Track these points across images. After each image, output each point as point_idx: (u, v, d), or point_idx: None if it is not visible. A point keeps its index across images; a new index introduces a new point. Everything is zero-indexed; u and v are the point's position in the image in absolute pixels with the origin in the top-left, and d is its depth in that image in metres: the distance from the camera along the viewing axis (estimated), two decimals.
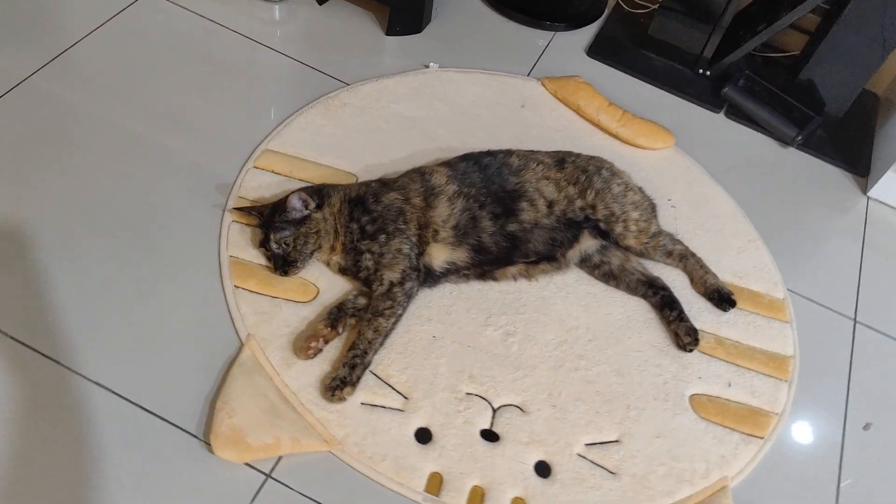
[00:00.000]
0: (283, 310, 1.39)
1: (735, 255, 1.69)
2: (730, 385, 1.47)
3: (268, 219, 1.41)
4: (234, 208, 1.49)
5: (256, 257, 1.46)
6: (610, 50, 2.11)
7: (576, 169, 1.57)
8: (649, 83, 2.06)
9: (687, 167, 1.86)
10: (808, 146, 2.01)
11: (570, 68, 2.02)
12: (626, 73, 2.07)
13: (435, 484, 1.25)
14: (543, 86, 1.95)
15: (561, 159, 1.59)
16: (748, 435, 1.41)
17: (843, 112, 2.06)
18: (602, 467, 1.32)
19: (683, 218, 1.73)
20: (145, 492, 1.15)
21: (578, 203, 1.53)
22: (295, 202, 1.38)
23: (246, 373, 1.29)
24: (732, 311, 1.58)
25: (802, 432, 1.45)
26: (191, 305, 1.37)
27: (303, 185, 1.54)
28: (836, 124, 2.06)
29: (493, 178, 1.51)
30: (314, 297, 1.43)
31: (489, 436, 1.32)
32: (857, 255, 1.80)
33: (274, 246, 1.39)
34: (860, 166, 2.00)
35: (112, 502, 1.14)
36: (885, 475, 1.42)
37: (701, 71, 2.10)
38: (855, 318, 1.67)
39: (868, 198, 1.94)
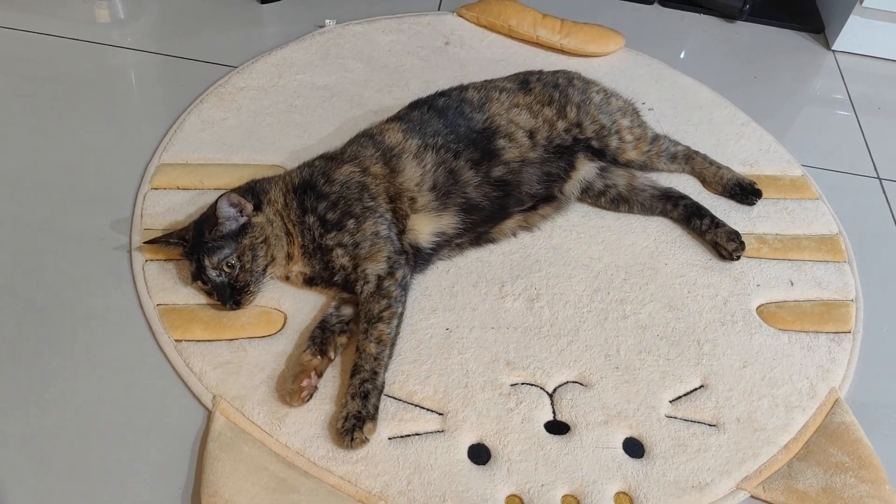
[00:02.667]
0: (249, 352, 1.05)
1: (735, 142, 1.47)
2: (792, 284, 1.24)
3: (195, 242, 1.06)
4: (145, 243, 1.13)
5: (194, 296, 1.10)
6: None
7: (545, 87, 1.29)
8: None
9: (647, 65, 1.63)
10: (755, 15, 1.82)
11: None
12: None
13: None
14: (462, 16, 1.66)
15: (524, 80, 1.31)
16: (835, 333, 1.18)
17: None
18: (699, 423, 1.05)
19: (666, 118, 1.50)
20: None
21: (561, 124, 1.26)
22: (226, 209, 1.04)
23: (228, 447, 0.94)
24: (760, 203, 1.35)
25: (884, 312, 1.24)
26: (129, 385, 1.01)
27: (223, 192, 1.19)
28: None
29: (457, 121, 1.21)
30: (283, 326, 1.09)
31: (557, 428, 1.03)
32: (850, 113, 1.62)
33: (213, 273, 1.04)
34: (813, 23, 1.82)
35: None
36: None
37: None
38: (878, 176, 1.48)
39: (833, 52, 1.76)
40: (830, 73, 1.71)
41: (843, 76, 1.70)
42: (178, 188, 1.24)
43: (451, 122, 1.21)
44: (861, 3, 1.65)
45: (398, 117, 1.23)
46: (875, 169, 1.50)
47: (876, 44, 1.73)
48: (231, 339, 1.06)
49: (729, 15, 1.80)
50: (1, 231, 1.16)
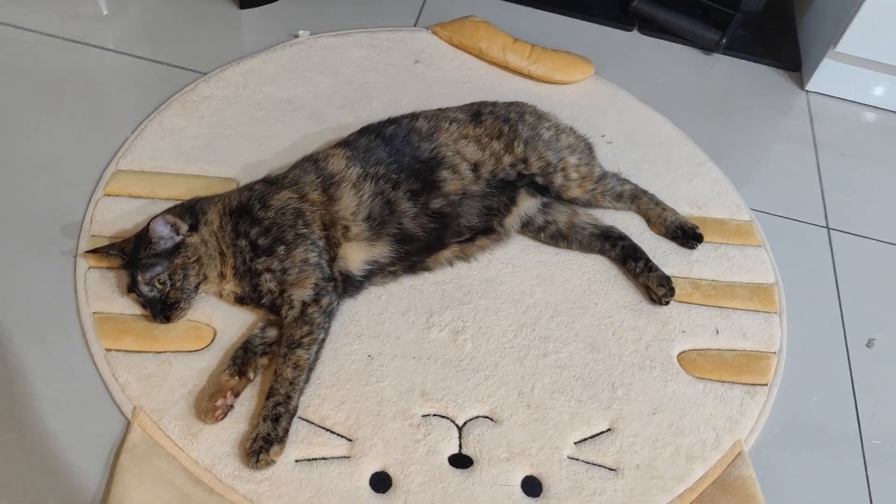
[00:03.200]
0: (174, 366, 1.10)
1: (688, 182, 1.49)
2: (718, 332, 1.27)
3: (132, 256, 1.11)
4: (88, 251, 1.18)
5: (129, 307, 1.16)
6: None
7: (496, 120, 1.32)
8: (553, 11, 1.83)
9: (613, 96, 1.64)
10: (734, 49, 1.82)
11: (460, 9, 1.75)
12: (524, 4, 1.83)
13: None
14: (436, 34, 1.68)
15: (476, 112, 1.34)
16: (751, 385, 1.22)
17: (762, 5, 1.87)
18: (600, 465, 1.10)
19: (623, 153, 1.52)
20: None
21: (507, 159, 1.29)
22: (160, 229, 1.09)
23: (140, 459, 1.00)
24: (701, 247, 1.38)
25: (806, 366, 1.27)
26: (54, 389, 1.07)
27: (171, 204, 1.24)
28: (757, 20, 1.88)
29: (403, 150, 1.24)
30: (211, 342, 1.14)
31: (460, 461, 1.08)
32: (812, 157, 1.63)
33: (145, 289, 1.09)
34: (791, 61, 1.82)
35: None
36: None
37: None
38: (828, 226, 1.50)
39: (807, 92, 1.77)
40: (800, 113, 1.72)
41: (811, 118, 1.71)
42: (131, 196, 1.29)
43: (396, 151, 1.24)
44: (834, 47, 1.65)
45: (346, 143, 1.27)
46: (826, 218, 1.51)
47: (848, 88, 1.73)
48: (159, 352, 1.11)
49: (706, 47, 1.81)
50: None
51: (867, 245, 1.47)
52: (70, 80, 1.47)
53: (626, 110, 1.61)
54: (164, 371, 1.09)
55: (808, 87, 1.76)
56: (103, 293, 1.16)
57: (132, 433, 1.03)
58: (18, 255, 1.20)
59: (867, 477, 1.15)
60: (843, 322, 1.35)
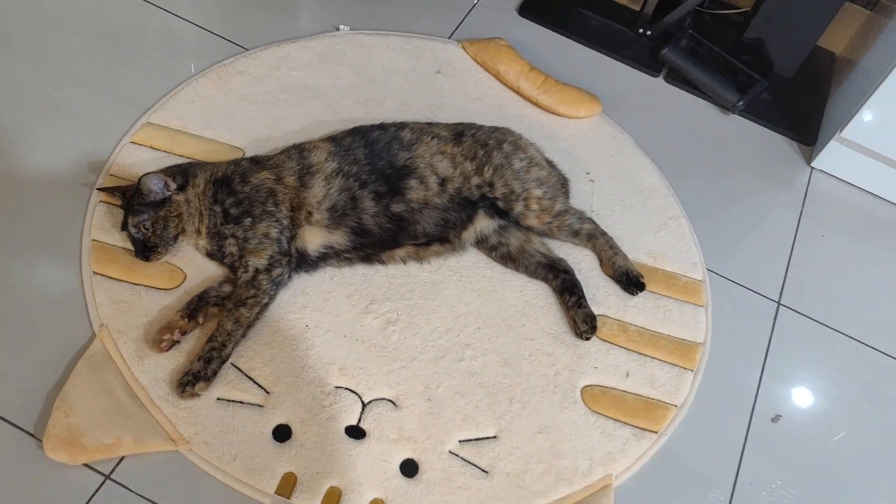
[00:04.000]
0: (143, 298, 1.32)
1: (654, 233, 1.58)
2: (628, 375, 1.38)
3: (128, 201, 1.33)
4: (100, 188, 1.41)
5: (122, 241, 1.38)
6: (544, 8, 1.97)
7: (475, 143, 1.46)
8: (585, 45, 1.93)
9: (612, 137, 1.74)
10: (752, 112, 1.87)
11: (498, 29, 1.89)
12: (559, 33, 1.94)
13: (288, 485, 1.18)
14: (464, 49, 1.82)
15: (460, 132, 1.48)
16: (641, 429, 1.32)
17: (792, 73, 1.91)
18: (474, 465, 1.24)
19: (602, 193, 1.62)
20: None
21: (475, 180, 1.43)
22: (151, 185, 1.29)
23: (93, 367, 1.22)
24: (643, 295, 1.48)
25: (703, 425, 1.36)
26: (44, 293, 1.30)
27: (182, 161, 1.45)
28: (786, 87, 1.92)
29: (381, 154, 1.40)
30: (180, 284, 1.35)
31: (355, 433, 1.24)
32: (792, 233, 1.68)
33: (133, 230, 1.30)
34: (807, 134, 1.86)
35: None
36: (789, 473, 1.33)
37: (641, 31, 1.96)
38: (779, 301, 1.56)
39: (812, 168, 1.81)
40: (797, 187, 1.76)
41: (807, 193, 1.75)
42: (152, 147, 1.51)
43: (374, 155, 1.40)
44: (841, 132, 1.69)
45: (333, 139, 1.44)
46: (781, 293, 1.57)
47: (849, 172, 1.76)
48: (135, 284, 1.33)
49: (723, 105, 1.87)
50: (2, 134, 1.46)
51: (810, 326, 1.53)
52: (130, 35, 1.69)
53: (620, 153, 1.71)
54: (134, 300, 1.31)
55: (813, 164, 1.80)
56: (105, 225, 1.39)
57: (94, 346, 1.24)
58: (48, 178, 1.43)
59: None
60: (757, 392, 1.42)
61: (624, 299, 1.47)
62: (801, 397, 1.43)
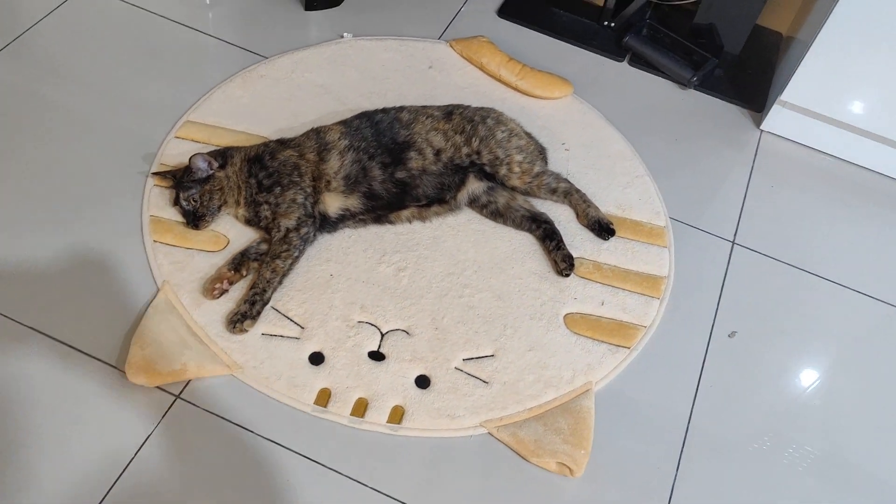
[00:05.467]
0: (195, 259, 1.59)
1: (621, 189, 1.85)
2: (602, 304, 1.64)
3: (179, 180, 1.61)
4: (154, 173, 1.69)
5: (174, 215, 1.65)
6: (519, 9, 2.25)
7: (462, 119, 1.73)
8: (557, 38, 2.21)
9: (583, 113, 2.01)
10: (706, 86, 2.14)
11: (481, 29, 2.17)
12: (534, 30, 2.22)
13: (324, 398, 1.44)
14: (451, 47, 2.10)
15: (449, 112, 1.75)
16: (615, 345, 1.58)
17: (739, 50, 2.18)
18: (476, 377, 1.50)
19: (575, 159, 1.89)
20: (69, 413, 1.37)
21: (465, 150, 1.70)
22: (199, 163, 1.57)
23: (160, 313, 1.49)
24: (613, 239, 1.74)
25: (668, 342, 1.61)
26: (117, 259, 1.57)
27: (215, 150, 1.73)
28: (736, 64, 2.19)
29: (385, 132, 1.68)
30: (224, 247, 1.62)
31: (376, 356, 1.50)
32: (744, 184, 1.93)
33: (184, 203, 1.58)
34: (757, 103, 2.13)
35: (39, 426, 1.35)
36: (744, 377, 1.58)
37: (606, 23, 2.23)
38: (734, 241, 1.82)
39: (761, 131, 2.07)
40: (749, 147, 2.03)
41: (757, 151, 2.02)
42: (193, 140, 1.79)
43: (379, 133, 1.68)
44: (781, 95, 1.96)
45: (344, 122, 1.72)
46: (735, 234, 1.83)
47: (793, 130, 2.02)
48: (188, 248, 1.60)
49: (680, 82, 2.14)
50: (63, 148, 1.75)
51: (760, 259, 1.78)
52: (163, 52, 1.99)
53: (590, 126, 1.98)
54: (188, 261, 1.58)
55: (762, 127, 2.06)
56: (159, 203, 1.67)
57: (159, 296, 1.52)
58: (109, 169, 1.72)
59: (690, 418, 1.50)
60: (715, 315, 1.67)
61: (597, 244, 1.73)
62: (754, 317, 1.68)
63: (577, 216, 1.77)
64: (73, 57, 1.94)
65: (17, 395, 1.38)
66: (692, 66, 2.13)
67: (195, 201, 1.57)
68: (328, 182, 1.62)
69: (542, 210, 1.75)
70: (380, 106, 1.83)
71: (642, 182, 1.87)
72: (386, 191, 1.64)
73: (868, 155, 1.98)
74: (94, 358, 1.43)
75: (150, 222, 1.63)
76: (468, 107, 1.79)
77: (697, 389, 1.55)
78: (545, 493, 1.38)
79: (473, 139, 1.70)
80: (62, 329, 1.46)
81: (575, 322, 1.60)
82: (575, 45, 2.20)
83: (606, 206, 1.79)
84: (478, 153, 1.70)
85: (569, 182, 1.79)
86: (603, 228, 1.73)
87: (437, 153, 1.68)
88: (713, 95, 2.14)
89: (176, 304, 1.51)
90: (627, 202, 1.82)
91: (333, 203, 1.62)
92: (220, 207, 1.60)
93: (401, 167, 1.65)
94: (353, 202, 1.63)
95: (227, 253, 1.61)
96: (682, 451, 1.47)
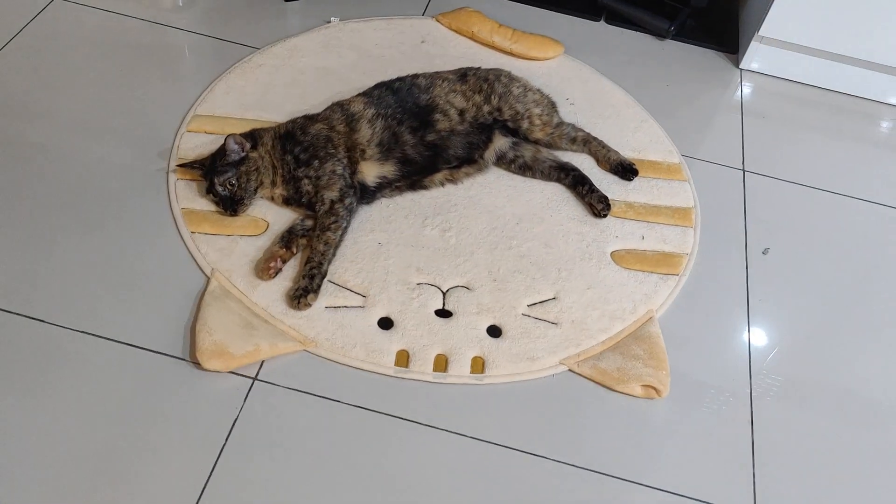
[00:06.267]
0: (239, 244, 1.54)
1: (632, 133, 1.90)
2: (643, 238, 1.68)
3: (210, 167, 1.56)
4: (178, 165, 1.63)
5: (206, 205, 1.60)
6: None
7: (478, 80, 1.75)
8: (534, 5, 2.26)
9: (578, 70, 2.06)
10: (682, 35, 2.23)
11: (461, 2, 2.19)
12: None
13: (403, 359, 1.42)
14: (438, 21, 2.12)
15: (463, 74, 1.77)
16: (664, 274, 1.62)
17: (706, 1, 2.29)
18: (544, 320, 1.51)
19: (582, 111, 1.94)
20: (149, 414, 1.30)
21: (486, 108, 1.71)
22: (232, 145, 1.53)
23: (217, 299, 1.43)
24: (636, 179, 1.79)
25: (710, 265, 1.66)
26: (157, 256, 1.51)
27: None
28: (704, 12, 2.29)
29: (406, 98, 1.68)
30: (265, 230, 1.58)
31: (443, 314, 1.49)
32: (738, 119, 2.03)
33: (220, 189, 1.53)
34: (730, 45, 2.23)
35: (122, 432, 1.27)
36: (788, 288, 1.65)
37: None
38: (743, 168, 1.90)
39: (740, 70, 2.17)
40: (733, 86, 2.13)
41: (741, 89, 2.12)
42: (205, 132, 1.74)
43: (401, 100, 1.68)
44: (758, 31, 2.07)
45: (364, 93, 1.71)
46: (743, 163, 1.91)
47: (772, 65, 2.13)
48: (229, 235, 1.55)
49: (658, 34, 2.22)
50: (73, 157, 1.67)
51: (773, 183, 1.87)
52: (158, 53, 1.93)
53: (587, 80, 2.03)
54: (233, 247, 1.53)
55: (741, 66, 2.17)
56: (188, 195, 1.61)
57: (211, 284, 1.46)
58: (127, 171, 1.64)
59: (749, 333, 1.55)
60: (746, 235, 1.74)
61: (623, 185, 1.78)
62: (780, 233, 1.76)
63: (598, 162, 1.81)
64: (61, 68, 1.85)
65: (94, 407, 1.30)
66: (666, 17, 2.21)
67: (232, 185, 1.53)
68: (363, 151, 1.60)
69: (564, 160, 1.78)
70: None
71: (649, 126, 1.94)
72: (419, 154, 1.63)
73: (847, 81, 2.10)
74: (161, 354, 1.37)
75: (182, 215, 1.57)
76: (479, 68, 1.81)
77: (748, 304, 1.61)
78: (635, 418, 1.40)
79: (492, 97, 1.72)
80: (121, 330, 1.39)
81: (622, 258, 1.64)
82: (552, 9, 2.26)
83: (621, 150, 1.84)
84: (499, 110, 1.72)
85: (585, 131, 1.83)
86: (627, 169, 1.78)
87: (461, 113, 1.69)
88: (689, 43, 2.23)
89: (231, 290, 1.46)
90: (640, 145, 1.88)
91: (371, 171, 1.61)
92: (256, 189, 1.56)
93: (430, 130, 1.65)
94: (389, 168, 1.62)
95: (270, 235, 1.57)
96: (750, 363, 1.51)
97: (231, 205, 1.54)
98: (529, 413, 1.38)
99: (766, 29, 2.05)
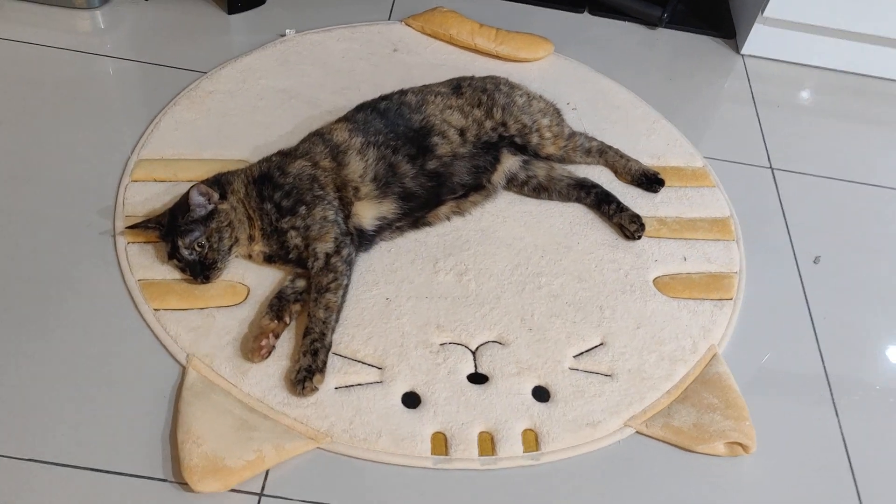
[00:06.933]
0: (217, 319, 1.24)
1: (646, 137, 1.68)
2: (685, 259, 1.46)
3: (170, 226, 1.25)
4: (127, 227, 1.31)
5: (169, 272, 1.29)
6: None
7: (474, 91, 1.49)
8: (509, 0, 2.01)
9: (573, 69, 1.83)
10: (675, 23, 2.03)
11: (427, 2, 1.93)
12: None
13: (440, 444, 1.15)
14: (409, 25, 1.85)
15: (457, 85, 1.51)
16: (717, 300, 1.40)
17: None
18: (597, 373, 1.26)
19: (587, 117, 1.70)
20: None
21: (488, 124, 1.46)
22: (196, 197, 1.23)
23: (199, 395, 1.13)
24: (663, 190, 1.56)
25: (763, 283, 1.45)
26: (114, 347, 1.20)
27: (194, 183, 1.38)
28: None
29: (397, 121, 1.41)
30: (246, 297, 1.28)
31: (477, 379, 1.23)
32: (752, 110, 1.83)
33: (186, 252, 1.23)
34: (726, 29, 2.04)
35: None
36: (848, 297, 1.46)
37: None
38: (771, 166, 1.70)
39: (742, 56, 1.98)
40: (738, 74, 1.93)
41: (748, 77, 1.92)
42: (155, 180, 1.43)
43: (391, 123, 1.40)
44: (762, 13, 1.87)
45: (346, 118, 1.43)
46: (769, 160, 1.71)
47: (779, 48, 1.95)
48: (202, 308, 1.25)
49: (650, 22, 2.01)
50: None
51: (806, 180, 1.68)
52: (82, 86, 1.60)
53: (585, 81, 1.80)
54: (209, 323, 1.23)
55: (743, 52, 1.97)
56: (144, 263, 1.30)
57: (189, 375, 1.16)
58: (64, 241, 1.32)
59: (821, 355, 1.35)
60: (791, 244, 1.54)
61: (649, 199, 1.55)
62: (827, 236, 1.56)
63: (617, 174, 1.58)
64: None
65: None
66: (657, 2, 2.00)
67: (201, 246, 1.23)
68: (356, 189, 1.32)
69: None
70: (359, 101, 1.54)
71: (661, 126, 1.72)
72: (420, 186, 1.37)
73: (863, 60, 1.93)
74: (137, 477, 1.06)
75: (141, 289, 1.27)
76: (474, 77, 1.56)
77: (814, 324, 1.41)
78: (722, 481, 1.17)
79: (494, 110, 1.47)
80: (83, 453, 1.08)
81: (667, 285, 1.41)
82: (529, 4, 2.02)
83: (639, 157, 1.61)
84: (503, 124, 1.47)
85: (599, 140, 1.59)
86: (651, 180, 1.55)
87: (462, 133, 1.43)
88: (683, 30, 2.03)
89: (215, 379, 1.17)
90: (657, 150, 1.66)
91: (368, 213, 1.33)
92: (231, 248, 1.27)
93: (430, 156, 1.38)
94: (389, 207, 1.35)
95: (253, 303, 1.28)
96: (832, 396, 1.31)
97: (201, 270, 1.24)
98: (599, 491, 1.14)
99: (771, 9, 1.85)
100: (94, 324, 1.22)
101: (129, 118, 1.54)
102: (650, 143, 1.67)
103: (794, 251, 1.53)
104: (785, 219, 1.59)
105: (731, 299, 1.41)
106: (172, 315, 1.24)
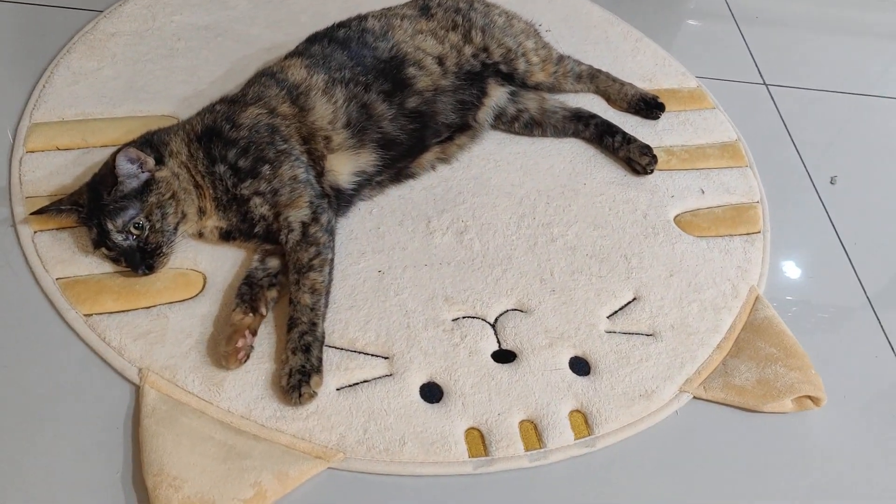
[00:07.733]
0: (170, 319, 0.97)
1: (632, 58, 1.49)
2: (703, 192, 1.28)
3: (92, 205, 0.95)
4: (32, 213, 1.00)
5: (98, 265, 1.00)
6: None
7: (446, 12, 1.25)
8: None
9: None
10: None
11: None
12: None
13: (477, 442, 0.93)
14: None
15: (424, 6, 1.26)
16: (747, 234, 1.23)
17: None
18: (637, 334, 1.08)
19: (564, 38, 1.49)
20: None
21: (468, 50, 1.22)
22: (125, 165, 0.94)
23: (165, 421, 0.87)
24: (664, 116, 1.38)
25: (786, 211, 1.31)
26: (37, 372, 0.90)
27: (109, 151, 1.08)
28: None
29: (361, 51, 1.14)
30: (203, 287, 1.01)
31: (504, 357, 1.02)
32: (733, 25, 1.67)
33: (120, 238, 0.94)
34: None
35: None
36: (873, 218, 1.33)
37: None
38: (764, 82, 1.55)
39: None
40: None
41: None
42: (59, 149, 1.11)
43: (355, 54, 1.14)
44: None
45: (298, 52, 1.15)
46: (761, 75, 1.56)
47: None
48: (149, 307, 0.97)
49: None
50: None
51: (803, 94, 1.54)
52: None
53: (555, 1, 1.58)
54: (162, 325, 0.96)
55: None
56: (62, 256, 1.00)
57: (146, 396, 0.89)
58: None
59: (857, 276, 1.21)
60: (804, 165, 1.40)
61: (650, 127, 1.37)
62: (838, 154, 1.43)
63: (611, 101, 1.38)
64: None
65: None
66: None
67: (139, 227, 0.94)
68: (327, 139, 1.06)
69: None
70: (301, 35, 1.27)
71: (645, 45, 1.53)
72: (402, 130, 1.12)
73: None
74: None
75: (61, 290, 0.97)
76: None
77: (847, 253, 1.27)
78: (796, 441, 1.02)
79: (473, 32, 1.23)
80: None
81: (691, 224, 1.23)
82: None
83: (629, 79, 1.42)
84: (485, 49, 1.23)
85: (587, 63, 1.38)
86: (651, 105, 1.37)
87: (440, 61, 1.19)
88: None
89: (182, 397, 0.90)
90: (647, 71, 1.47)
91: (344, 167, 1.08)
92: (177, 226, 0.98)
93: (408, 92, 1.14)
94: (367, 158, 1.10)
95: (215, 293, 1.00)
96: (882, 328, 1.17)
97: (143, 258, 0.95)
98: (665, 469, 0.96)
99: None
100: (7, 344, 0.92)
101: (12, 73, 1.21)
102: (637, 65, 1.48)
103: (808, 173, 1.38)
104: (791, 138, 1.44)
105: (759, 232, 1.24)
106: (110, 320, 0.95)
